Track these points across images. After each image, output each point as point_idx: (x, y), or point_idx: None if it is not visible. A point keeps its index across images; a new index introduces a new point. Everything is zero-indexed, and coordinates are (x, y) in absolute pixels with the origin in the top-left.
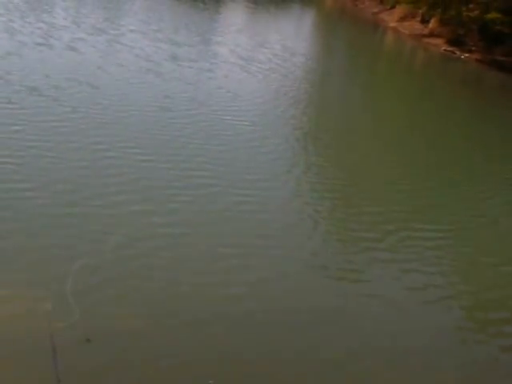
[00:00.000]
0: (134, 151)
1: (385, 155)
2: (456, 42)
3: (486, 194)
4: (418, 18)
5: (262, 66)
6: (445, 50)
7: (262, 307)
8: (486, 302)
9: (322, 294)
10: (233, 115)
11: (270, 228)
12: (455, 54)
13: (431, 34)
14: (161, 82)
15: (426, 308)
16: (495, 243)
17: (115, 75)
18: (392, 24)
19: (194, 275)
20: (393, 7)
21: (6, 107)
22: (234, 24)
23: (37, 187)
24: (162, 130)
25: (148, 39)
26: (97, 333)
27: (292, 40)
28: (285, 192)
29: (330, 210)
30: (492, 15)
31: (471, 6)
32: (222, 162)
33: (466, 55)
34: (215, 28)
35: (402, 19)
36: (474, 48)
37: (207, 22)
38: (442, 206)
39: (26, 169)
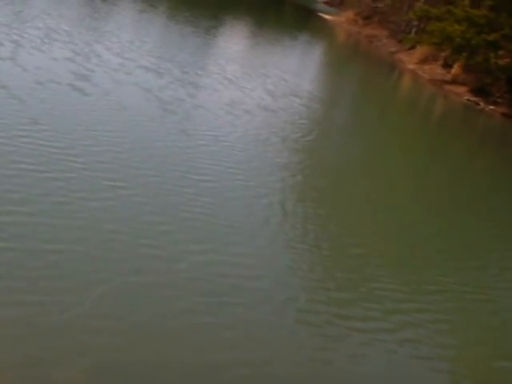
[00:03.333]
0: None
1: (385, 218)
2: (481, 91)
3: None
4: (440, 62)
5: (263, 108)
6: (468, 99)
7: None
8: None
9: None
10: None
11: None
12: (479, 105)
13: (454, 81)
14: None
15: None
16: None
17: (133, 125)
18: (410, 66)
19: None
20: (412, 47)
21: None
22: (235, 58)
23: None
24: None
25: (156, 76)
26: None
27: (297, 77)
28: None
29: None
30: None
31: (501, 52)
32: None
33: (491, 107)
34: (215, 60)
35: (422, 62)
36: (500, 100)
37: (207, 51)
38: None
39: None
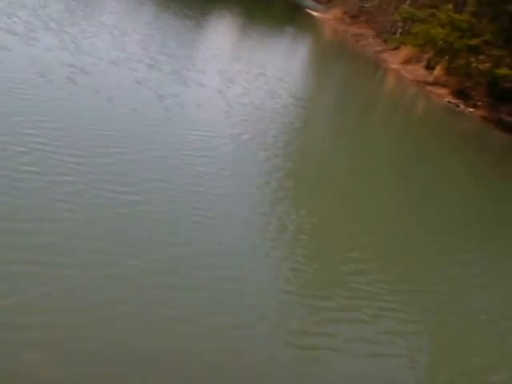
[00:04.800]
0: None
1: (366, 219)
2: (461, 94)
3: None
4: (423, 63)
5: (243, 105)
6: (448, 101)
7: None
8: None
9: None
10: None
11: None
12: (459, 107)
13: (435, 83)
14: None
15: None
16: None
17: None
18: (394, 66)
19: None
20: (397, 48)
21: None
22: (224, 53)
23: None
24: None
25: (151, 70)
26: None
27: (284, 74)
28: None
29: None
30: (503, 71)
31: (482, 57)
32: None
33: (471, 110)
34: (206, 54)
35: (406, 62)
36: (479, 103)
37: (199, 45)
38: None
39: None
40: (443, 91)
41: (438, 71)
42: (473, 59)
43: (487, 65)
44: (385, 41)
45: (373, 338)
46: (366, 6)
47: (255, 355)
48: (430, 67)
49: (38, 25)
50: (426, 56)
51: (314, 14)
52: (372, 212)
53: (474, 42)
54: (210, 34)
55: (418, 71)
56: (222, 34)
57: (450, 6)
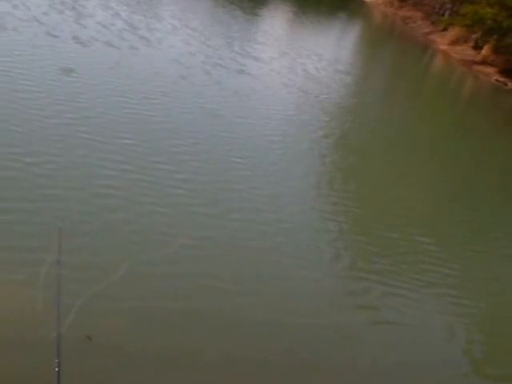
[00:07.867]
0: None
1: (407, 194)
2: (509, 72)
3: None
4: (471, 43)
5: (296, 79)
6: (496, 80)
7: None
8: None
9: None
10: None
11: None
12: (506, 85)
13: (483, 62)
14: None
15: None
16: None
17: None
18: (443, 47)
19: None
20: (445, 29)
21: None
22: (283, 49)
23: None
24: None
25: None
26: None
27: (333, 53)
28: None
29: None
30: None
31: None
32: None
33: None
34: (265, 40)
35: (454, 43)
36: None
37: (261, 32)
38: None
39: None
40: (491, 70)
41: (485, 51)
42: None
43: None
44: (433, 23)
45: None
46: None
47: None
48: (477, 47)
49: (130, 30)
50: (474, 36)
51: None
52: (419, 179)
53: None
54: (270, 29)
55: (465, 51)
56: (281, 29)
57: None
